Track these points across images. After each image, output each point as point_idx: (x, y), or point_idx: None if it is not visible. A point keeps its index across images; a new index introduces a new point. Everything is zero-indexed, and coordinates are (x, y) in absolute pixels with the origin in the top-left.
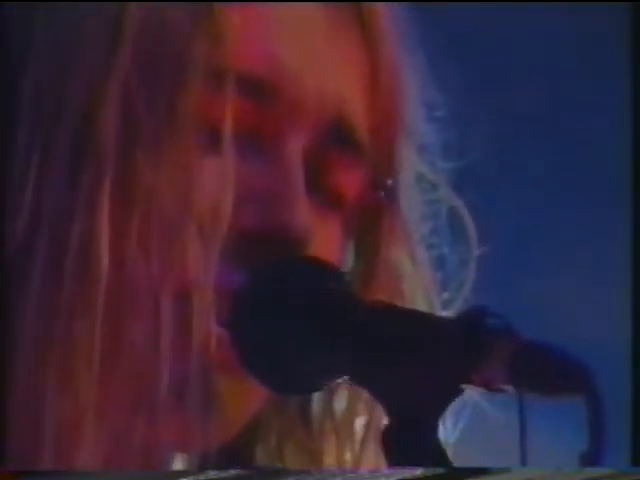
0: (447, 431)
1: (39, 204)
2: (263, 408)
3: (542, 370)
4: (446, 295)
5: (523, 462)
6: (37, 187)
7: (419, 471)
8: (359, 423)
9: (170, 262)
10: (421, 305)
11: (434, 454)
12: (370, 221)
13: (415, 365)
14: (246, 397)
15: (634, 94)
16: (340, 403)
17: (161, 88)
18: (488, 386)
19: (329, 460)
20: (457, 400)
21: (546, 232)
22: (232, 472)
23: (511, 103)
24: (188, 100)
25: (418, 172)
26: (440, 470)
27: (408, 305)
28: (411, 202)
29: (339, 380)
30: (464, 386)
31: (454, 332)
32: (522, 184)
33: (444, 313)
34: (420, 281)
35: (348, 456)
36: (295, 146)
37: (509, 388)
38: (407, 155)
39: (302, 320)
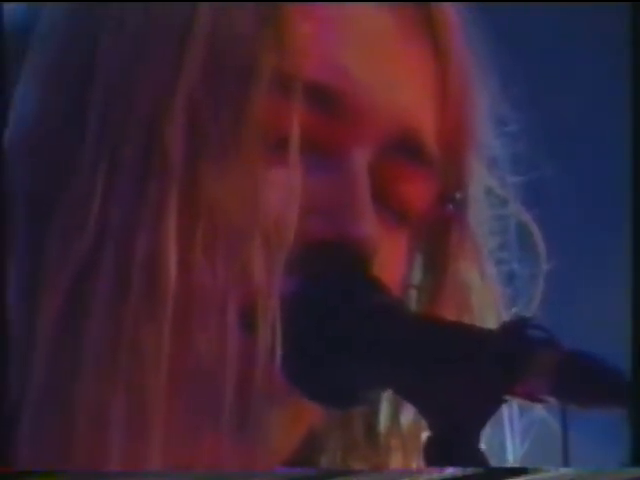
0: (515, 449)
1: (106, 217)
2: (320, 424)
3: (585, 381)
4: (515, 310)
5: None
6: (104, 199)
7: (451, 471)
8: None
9: (236, 273)
10: (490, 320)
11: (477, 466)
12: (438, 235)
13: (458, 377)
14: (299, 412)
15: (634, 95)
16: (406, 417)
17: (227, 98)
18: (531, 397)
19: None
20: (524, 418)
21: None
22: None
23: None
24: (254, 110)
25: (487, 186)
26: (479, 470)
27: (477, 320)
28: (480, 216)
29: (384, 393)
30: (507, 397)
31: (496, 344)
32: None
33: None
34: (489, 296)
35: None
36: (362, 157)
37: (551, 399)
38: (476, 169)
39: (347, 334)
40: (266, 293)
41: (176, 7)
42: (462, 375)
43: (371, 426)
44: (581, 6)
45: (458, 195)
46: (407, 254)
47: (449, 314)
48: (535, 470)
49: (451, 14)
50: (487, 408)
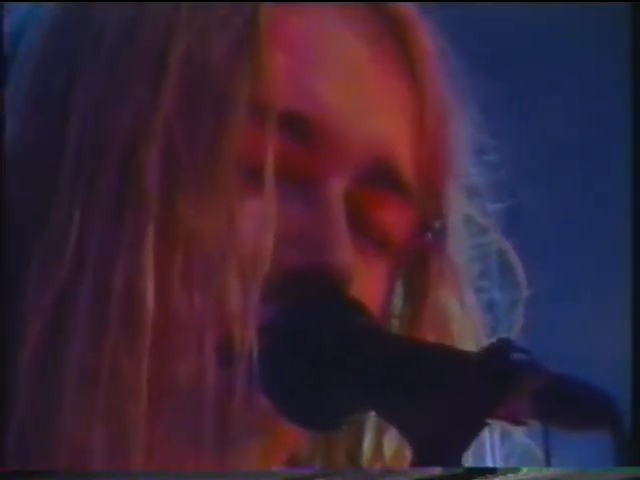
0: None
1: (84, 247)
2: (301, 451)
3: (568, 404)
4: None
5: None
6: (82, 228)
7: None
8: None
9: (213, 303)
10: (470, 349)
11: None
12: (418, 264)
13: (441, 399)
14: (278, 441)
15: (634, 95)
16: (390, 443)
17: (203, 128)
18: (514, 420)
19: None
20: (506, 446)
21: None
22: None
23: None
24: (230, 140)
25: (466, 215)
26: (459, 470)
27: (455, 339)
28: (459, 245)
29: (366, 415)
30: (490, 420)
31: (480, 366)
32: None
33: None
34: (469, 324)
35: None
36: (337, 186)
37: (535, 422)
38: (455, 198)
39: (328, 355)
40: (243, 323)
41: (152, 33)
42: (445, 398)
43: (353, 454)
44: (580, 7)
45: (437, 224)
46: (386, 283)
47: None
48: (517, 469)
49: (428, 44)
50: (470, 431)
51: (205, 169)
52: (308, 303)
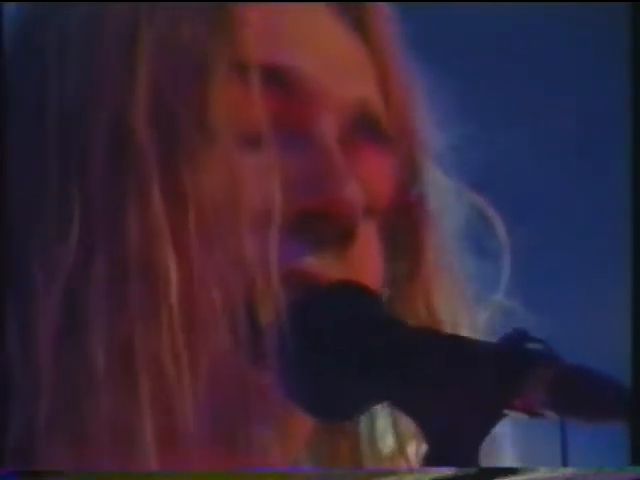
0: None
1: (87, 222)
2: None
3: (584, 395)
4: (481, 295)
5: None
6: (83, 204)
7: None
8: None
9: (232, 256)
10: (460, 311)
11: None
12: (403, 223)
13: (456, 390)
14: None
15: (634, 95)
16: (406, 438)
17: (189, 95)
18: (530, 411)
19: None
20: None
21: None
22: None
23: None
24: (218, 100)
25: (440, 176)
26: (472, 470)
27: (444, 304)
28: (439, 205)
29: (380, 405)
30: (506, 411)
31: (496, 357)
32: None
33: (480, 314)
34: (457, 288)
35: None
36: (330, 131)
37: (551, 413)
38: (427, 161)
39: (343, 346)
40: (266, 277)
41: (119, 19)
42: (461, 389)
43: (370, 433)
44: (579, 7)
45: (416, 188)
46: (379, 246)
47: (418, 306)
48: (533, 470)
49: (386, 20)
50: (486, 422)
51: (200, 133)
52: (328, 290)
